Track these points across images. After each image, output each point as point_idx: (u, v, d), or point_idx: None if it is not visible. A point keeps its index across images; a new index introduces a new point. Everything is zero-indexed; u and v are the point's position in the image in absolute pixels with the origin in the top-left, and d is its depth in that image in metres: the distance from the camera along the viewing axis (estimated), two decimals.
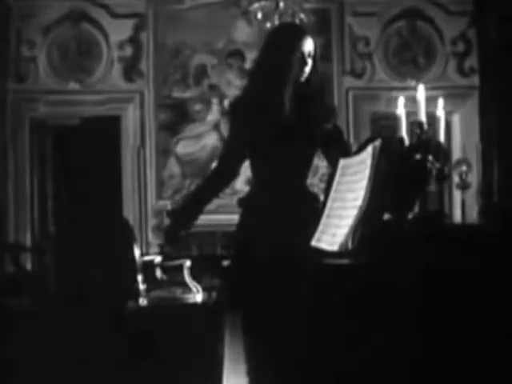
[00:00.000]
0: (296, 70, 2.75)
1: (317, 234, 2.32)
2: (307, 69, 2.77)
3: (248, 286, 2.69)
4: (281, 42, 2.80)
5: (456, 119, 7.43)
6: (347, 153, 2.71)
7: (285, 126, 2.79)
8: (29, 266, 7.09)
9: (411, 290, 1.55)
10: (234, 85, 7.36)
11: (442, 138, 2.58)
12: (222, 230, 6.85)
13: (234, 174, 2.96)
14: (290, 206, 2.81)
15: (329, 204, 2.35)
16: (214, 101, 7.45)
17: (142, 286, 5.93)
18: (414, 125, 2.61)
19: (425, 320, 1.53)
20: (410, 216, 2.10)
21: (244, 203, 2.94)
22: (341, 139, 2.98)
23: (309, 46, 2.78)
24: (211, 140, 7.43)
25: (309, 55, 2.77)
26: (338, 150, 2.78)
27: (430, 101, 2.72)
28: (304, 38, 2.78)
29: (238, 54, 7.40)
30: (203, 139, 7.46)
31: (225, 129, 7.29)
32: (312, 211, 2.83)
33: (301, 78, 2.77)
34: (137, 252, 6.06)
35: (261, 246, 2.75)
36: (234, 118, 2.92)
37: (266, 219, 2.79)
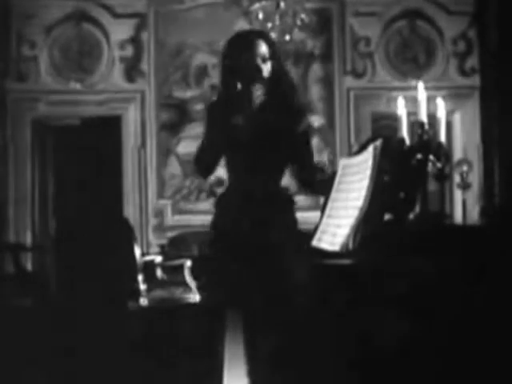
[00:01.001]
0: (249, 73, 2.85)
1: (317, 234, 2.32)
2: (264, 71, 2.86)
3: (224, 284, 2.76)
4: (232, 48, 2.94)
5: (457, 119, 7.42)
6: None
7: (256, 126, 2.87)
8: (29, 266, 7.09)
9: (411, 289, 1.55)
10: None
11: (442, 138, 2.57)
12: None
13: (210, 172, 3.05)
14: (263, 207, 2.87)
15: (329, 204, 2.34)
16: None
17: (142, 286, 5.92)
18: (415, 125, 2.61)
19: (425, 319, 1.53)
20: (411, 216, 2.09)
21: (218, 203, 3.02)
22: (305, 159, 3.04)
23: (261, 49, 2.88)
24: None
25: (263, 58, 2.86)
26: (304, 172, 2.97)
27: (431, 101, 2.71)
28: (254, 43, 2.88)
29: None
30: None
31: None
32: (285, 212, 2.92)
33: (258, 80, 2.86)
34: (137, 252, 6.06)
35: (235, 246, 2.81)
36: (208, 120, 2.98)
37: (239, 219, 2.86)
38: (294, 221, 2.98)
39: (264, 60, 2.86)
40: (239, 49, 2.91)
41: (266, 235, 2.81)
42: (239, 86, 2.84)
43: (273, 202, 2.90)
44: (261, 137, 2.88)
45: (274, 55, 2.90)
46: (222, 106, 2.89)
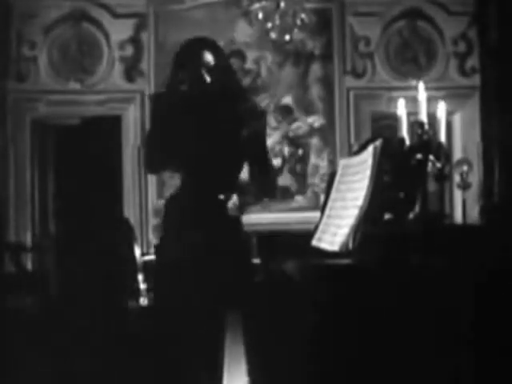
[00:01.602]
0: (193, 83, 3.01)
1: (317, 234, 2.32)
2: (208, 80, 2.99)
3: (172, 284, 2.85)
4: (179, 57, 3.13)
5: (457, 119, 7.43)
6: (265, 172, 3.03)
7: (203, 133, 2.97)
8: (29, 266, 7.09)
9: (411, 289, 1.55)
10: None
11: (442, 138, 2.58)
12: None
13: (159, 170, 3.20)
14: (210, 217, 2.93)
15: (330, 204, 2.34)
16: None
17: (142, 286, 5.92)
18: (415, 125, 2.61)
19: (425, 318, 1.53)
20: (411, 216, 2.09)
21: (168, 205, 3.09)
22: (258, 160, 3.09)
23: (206, 58, 3.02)
24: None
25: (208, 67, 3.00)
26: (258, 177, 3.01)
27: (432, 101, 2.72)
28: (199, 52, 3.04)
29: (239, 54, 7.40)
30: None
31: None
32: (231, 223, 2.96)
33: (200, 89, 3.00)
34: (137, 251, 6.06)
35: (181, 248, 2.91)
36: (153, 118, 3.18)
37: (185, 221, 2.94)
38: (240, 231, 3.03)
39: (209, 69, 2.99)
40: (184, 58, 3.07)
41: (212, 245, 2.88)
42: (168, 92, 3.08)
43: (220, 213, 2.94)
44: (208, 142, 2.95)
45: (220, 63, 3.03)
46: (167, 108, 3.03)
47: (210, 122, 2.97)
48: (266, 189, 3.15)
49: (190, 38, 3.19)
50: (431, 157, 2.40)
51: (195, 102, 2.99)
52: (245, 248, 2.99)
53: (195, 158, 2.95)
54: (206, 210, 2.92)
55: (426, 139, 2.46)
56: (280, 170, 7.29)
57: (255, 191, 3.09)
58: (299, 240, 2.54)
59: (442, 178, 2.46)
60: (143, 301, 5.87)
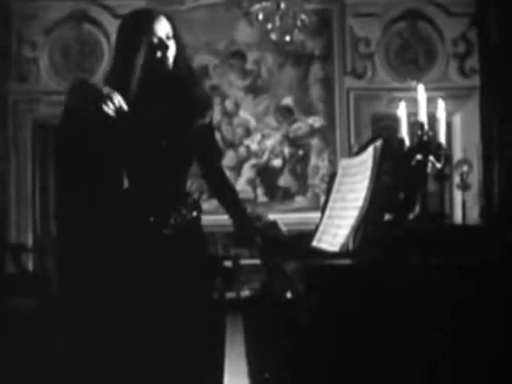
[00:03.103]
0: (148, 57, 2.46)
1: (318, 235, 2.33)
2: (169, 53, 2.51)
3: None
4: (135, 21, 2.53)
5: (457, 120, 7.44)
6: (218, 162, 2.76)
7: (154, 120, 2.51)
8: (30, 267, 7.10)
9: (411, 289, 1.56)
10: (235, 85, 7.37)
11: (442, 138, 2.59)
12: (223, 230, 6.84)
13: None
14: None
15: (330, 204, 2.35)
16: (216, 101, 7.46)
17: None
18: (415, 125, 2.62)
19: (424, 319, 1.54)
20: (411, 216, 2.10)
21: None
22: (213, 148, 2.77)
23: (163, 28, 2.53)
24: None
25: (167, 36, 2.53)
26: (212, 163, 2.74)
27: (431, 101, 2.73)
28: (160, 18, 2.55)
29: (240, 55, 7.41)
30: None
31: (226, 129, 7.30)
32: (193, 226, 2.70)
33: (160, 66, 2.49)
34: None
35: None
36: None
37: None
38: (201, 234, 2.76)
39: (168, 38, 2.51)
40: (144, 21, 2.49)
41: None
42: (123, 73, 2.42)
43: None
44: (159, 133, 2.52)
45: (178, 36, 2.56)
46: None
47: (167, 111, 2.53)
48: (222, 188, 2.82)
49: (138, 9, 2.61)
50: (431, 157, 2.41)
51: (153, 87, 2.47)
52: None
53: (147, 157, 2.54)
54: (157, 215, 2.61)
55: (425, 140, 2.47)
56: (280, 171, 7.31)
57: (211, 193, 2.90)
58: (299, 240, 2.54)
59: (442, 178, 2.47)
60: None
